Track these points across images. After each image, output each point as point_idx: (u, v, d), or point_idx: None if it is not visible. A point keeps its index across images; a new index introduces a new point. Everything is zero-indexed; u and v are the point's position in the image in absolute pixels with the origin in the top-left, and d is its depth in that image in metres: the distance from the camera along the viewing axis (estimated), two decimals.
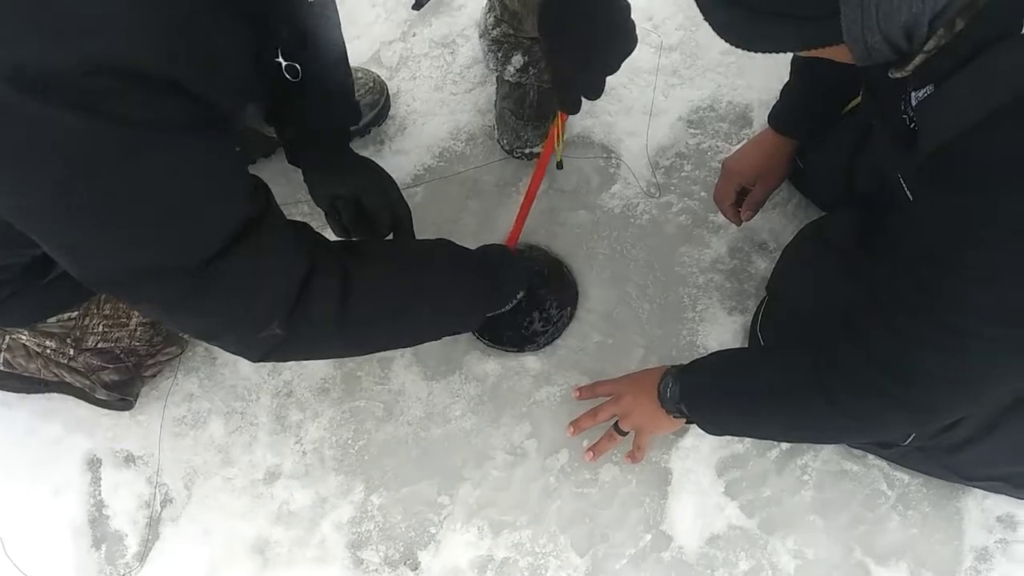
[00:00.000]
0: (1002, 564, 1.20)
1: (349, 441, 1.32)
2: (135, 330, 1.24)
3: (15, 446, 1.34)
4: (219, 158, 0.73)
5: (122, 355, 1.24)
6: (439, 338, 1.16)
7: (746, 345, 1.32)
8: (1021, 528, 1.22)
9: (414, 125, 1.52)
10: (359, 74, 1.48)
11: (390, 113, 1.52)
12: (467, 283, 1.13)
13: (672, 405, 1.10)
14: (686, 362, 1.12)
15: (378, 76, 1.50)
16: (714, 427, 1.11)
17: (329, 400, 1.34)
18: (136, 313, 1.23)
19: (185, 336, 1.33)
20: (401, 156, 1.49)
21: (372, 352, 1.13)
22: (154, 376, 1.34)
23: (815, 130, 1.24)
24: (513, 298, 1.27)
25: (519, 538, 1.25)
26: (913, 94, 0.71)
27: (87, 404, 1.33)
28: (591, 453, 1.23)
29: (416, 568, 1.24)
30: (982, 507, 1.23)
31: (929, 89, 0.68)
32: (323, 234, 0.96)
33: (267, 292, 0.81)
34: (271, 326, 0.84)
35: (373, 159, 1.44)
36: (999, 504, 1.23)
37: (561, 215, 1.45)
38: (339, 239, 1.19)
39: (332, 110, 1.14)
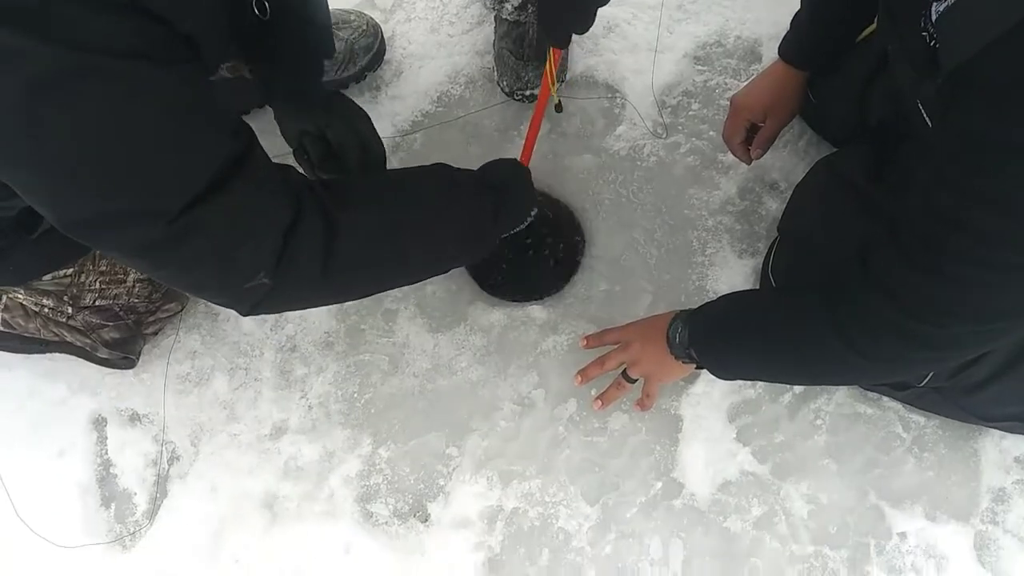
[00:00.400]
0: (1020, 505, 1.19)
1: (355, 395, 1.30)
2: (133, 287, 1.22)
3: (18, 408, 1.33)
4: (191, 94, 0.69)
5: (121, 312, 1.22)
6: (446, 271, 1.09)
7: (757, 287, 1.29)
8: None
9: (410, 69, 1.47)
10: (352, 17, 1.43)
11: (385, 57, 1.47)
12: (466, 211, 1.03)
13: (681, 351, 1.07)
14: (695, 307, 1.09)
15: (372, 19, 1.44)
16: (725, 372, 1.08)
17: (333, 354, 1.32)
18: (133, 270, 1.21)
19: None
20: (398, 102, 1.45)
21: (370, 294, 1.05)
22: (155, 334, 1.32)
23: (828, 61, 1.19)
24: (524, 218, 1.16)
25: (529, 488, 1.24)
26: (934, 6, 0.67)
27: (90, 364, 1.31)
28: (599, 402, 1.20)
29: (426, 520, 1.23)
30: (1000, 448, 1.21)
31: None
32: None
33: (252, 240, 0.78)
34: (258, 276, 0.80)
35: (369, 106, 1.42)
36: (1017, 444, 1.21)
37: (565, 159, 1.41)
38: (325, 178, 1.12)
39: (302, 41, 1.08)
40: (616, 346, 1.18)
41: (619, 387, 1.20)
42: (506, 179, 1.10)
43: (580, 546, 1.21)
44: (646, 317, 1.19)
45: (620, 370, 1.18)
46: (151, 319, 1.28)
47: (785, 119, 1.24)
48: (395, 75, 1.47)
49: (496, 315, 1.33)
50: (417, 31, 1.49)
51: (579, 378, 1.21)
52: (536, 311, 1.32)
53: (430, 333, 1.33)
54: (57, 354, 1.31)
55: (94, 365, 1.32)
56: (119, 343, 1.25)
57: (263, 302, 0.85)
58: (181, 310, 1.33)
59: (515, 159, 1.15)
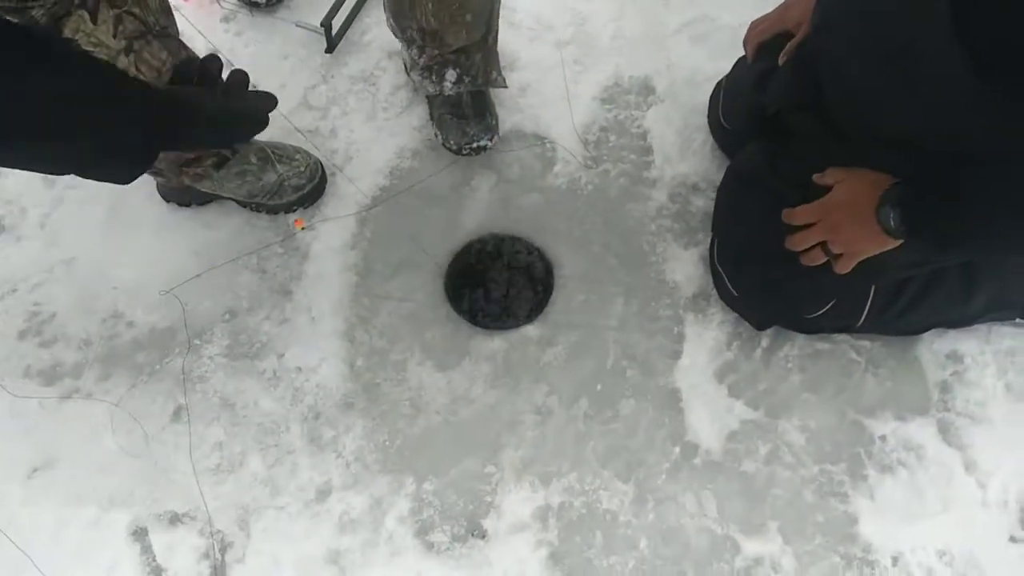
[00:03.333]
0: (961, 391, 1.43)
1: (387, 443, 1.39)
2: None
3: (51, 541, 1.31)
4: None
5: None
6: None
7: (709, 274, 1.51)
8: (965, 358, 1.45)
9: (359, 153, 1.63)
10: (297, 156, 1.52)
11: (333, 146, 1.62)
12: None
13: (897, 233, 1.06)
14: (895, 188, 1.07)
15: (316, 161, 1.54)
16: (949, 245, 1.10)
17: (356, 412, 1.41)
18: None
19: None
20: (356, 182, 1.59)
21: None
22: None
23: None
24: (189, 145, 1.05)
25: (568, 482, 1.36)
26: None
27: (113, 479, 1.33)
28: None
29: (484, 536, 1.32)
30: (932, 350, 1.46)
31: None
32: None
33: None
34: None
35: (329, 189, 1.56)
36: (944, 344, 1.46)
37: (516, 201, 1.59)
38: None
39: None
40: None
41: (815, 257, 1.20)
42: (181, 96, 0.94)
43: (626, 520, 1.34)
44: (845, 193, 1.14)
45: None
46: None
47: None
48: (346, 160, 1.62)
49: (496, 343, 1.47)
50: (355, 121, 1.66)
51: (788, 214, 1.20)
52: (529, 331, 1.48)
53: (441, 372, 1.44)
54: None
55: (116, 480, 1.33)
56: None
57: None
58: None
59: (239, 71, 1.01)
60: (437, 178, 1.61)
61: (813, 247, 1.20)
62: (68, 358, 1.46)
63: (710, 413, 1.41)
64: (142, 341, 1.47)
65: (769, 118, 1.31)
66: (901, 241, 1.08)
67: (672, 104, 1.68)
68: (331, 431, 1.40)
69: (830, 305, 1.33)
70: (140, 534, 1.33)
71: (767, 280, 1.32)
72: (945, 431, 1.40)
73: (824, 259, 1.19)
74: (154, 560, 1.32)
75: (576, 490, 1.35)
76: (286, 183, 1.51)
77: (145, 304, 1.49)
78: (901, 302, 1.34)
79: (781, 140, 1.28)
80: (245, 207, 1.55)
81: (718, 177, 1.59)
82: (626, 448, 1.39)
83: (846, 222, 1.12)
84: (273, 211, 1.55)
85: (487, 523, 1.33)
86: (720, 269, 1.43)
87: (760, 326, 1.44)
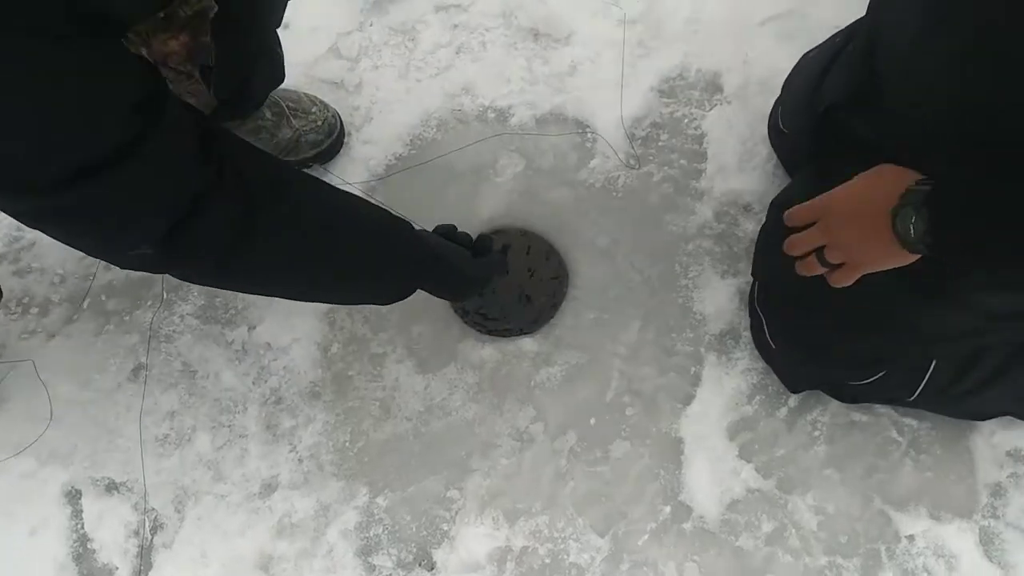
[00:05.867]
0: (1017, 498, 1.21)
1: (347, 444, 1.26)
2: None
3: None
4: (74, 65, 0.60)
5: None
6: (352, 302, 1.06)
7: (745, 309, 1.31)
8: None
9: (380, 115, 1.47)
10: (314, 109, 1.39)
11: (355, 103, 1.47)
12: (391, 265, 0.99)
13: (917, 243, 0.79)
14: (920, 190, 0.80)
15: (334, 115, 1.42)
16: (979, 261, 0.86)
17: (321, 404, 1.28)
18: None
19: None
20: (370, 146, 1.45)
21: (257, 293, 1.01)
22: None
23: None
24: (457, 298, 1.18)
25: (536, 525, 1.20)
26: None
27: (58, 432, 1.24)
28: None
29: (432, 568, 1.18)
30: (991, 443, 1.24)
31: None
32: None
33: (140, 220, 0.70)
34: (141, 247, 0.73)
35: (341, 151, 1.42)
36: (1007, 439, 1.24)
37: (541, 194, 1.42)
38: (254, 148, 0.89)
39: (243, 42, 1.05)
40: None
41: (810, 267, 0.94)
42: (448, 256, 1.06)
43: None
44: (855, 188, 0.88)
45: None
46: None
47: None
48: (365, 120, 1.47)
49: (487, 351, 1.31)
50: (385, 78, 1.50)
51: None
52: (527, 344, 1.31)
53: (420, 374, 1.30)
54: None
55: (61, 433, 1.24)
56: None
57: (146, 266, 0.78)
58: None
59: (486, 236, 1.15)
60: (460, 154, 1.44)
61: (809, 253, 0.93)
62: (39, 292, 1.37)
63: (713, 473, 1.23)
64: (116, 287, 1.37)
65: (827, 120, 1.09)
66: (916, 256, 0.82)
67: (739, 107, 1.46)
68: (290, 420, 1.27)
69: (882, 374, 1.13)
70: (73, 496, 1.24)
71: (813, 338, 1.12)
72: (988, 542, 1.19)
73: (822, 270, 0.92)
74: (82, 528, 1.23)
75: (543, 535, 1.20)
76: (302, 139, 1.38)
77: None
78: (969, 380, 1.12)
79: (831, 164, 1.06)
80: None
81: None
82: (609, 497, 1.22)
83: (849, 222, 0.87)
84: None
85: (438, 555, 1.19)
86: (760, 313, 1.22)
87: (794, 388, 1.24)
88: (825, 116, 1.05)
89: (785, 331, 1.17)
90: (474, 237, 1.15)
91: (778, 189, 1.39)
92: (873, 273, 0.87)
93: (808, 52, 1.27)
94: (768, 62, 1.49)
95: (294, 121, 1.37)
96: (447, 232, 1.11)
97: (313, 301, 1.05)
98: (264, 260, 0.82)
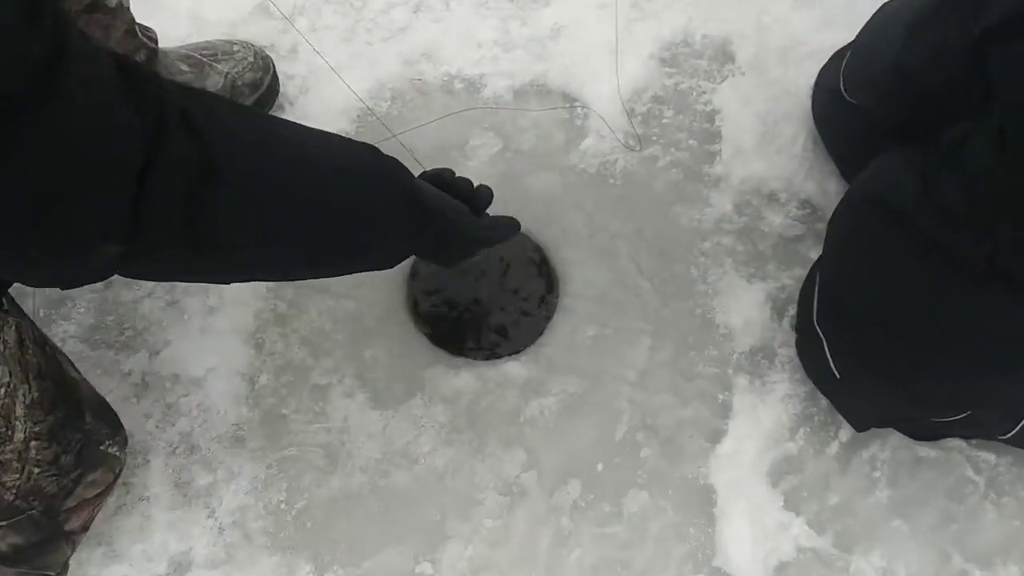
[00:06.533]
0: None
1: (282, 505, 0.97)
2: (26, 450, 0.72)
3: None
4: None
5: (19, 501, 0.74)
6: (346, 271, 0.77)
7: (777, 324, 1.06)
8: None
9: (320, 85, 1.19)
10: (236, 48, 1.15)
11: (290, 72, 1.19)
12: (379, 217, 0.73)
13: None
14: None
15: (261, 51, 1.17)
16: None
17: (247, 452, 0.99)
18: (16, 416, 0.72)
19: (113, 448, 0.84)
20: (307, 122, 1.15)
21: (249, 276, 0.74)
22: (85, 529, 0.85)
23: None
24: (449, 263, 0.90)
25: None
26: None
27: None
28: None
29: None
30: None
31: None
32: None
33: (85, 190, 0.47)
34: (106, 245, 0.51)
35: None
36: None
37: (522, 181, 1.15)
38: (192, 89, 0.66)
39: None
40: None
41: None
42: (447, 212, 0.80)
43: None
44: None
45: None
46: (70, 503, 0.80)
47: None
48: (301, 92, 1.19)
49: (463, 378, 1.03)
50: (326, 41, 1.21)
51: None
52: (513, 368, 1.04)
53: (376, 410, 1.02)
54: None
55: None
56: (27, 552, 0.78)
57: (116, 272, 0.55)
58: (116, 478, 0.86)
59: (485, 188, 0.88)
60: (421, 133, 1.16)
61: None
62: None
63: (755, 529, 0.97)
64: None
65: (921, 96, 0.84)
66: None
67: (756, 80, 1.22)
68: (206, 476, 0.97)
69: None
70: None
71: (896, 364, 0.86)
72: None
73: None
74: None
75: None
76: (239, 82, 1.13)
77: None
78: None
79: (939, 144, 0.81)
80: None
81: (809, 188, 1.15)
82: (627, 565, 0.95)
83: None
84: None
85: None
86: (820, 331, 0.96)
87: (861, 425, 0.99)
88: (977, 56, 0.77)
89: (862, 359, 0.91)
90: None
91: (808, 174, 1.17)
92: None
93: (876, 14, 1.02)
94: (786, 29, 1.26)
95: (220, 66, 1.12)
96: (436, 177, 0.83)
97: (301, 274, 0.77)
98: (238, 217, 0.59)
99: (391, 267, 0.77)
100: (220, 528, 0.95)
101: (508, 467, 0.99)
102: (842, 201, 0.94)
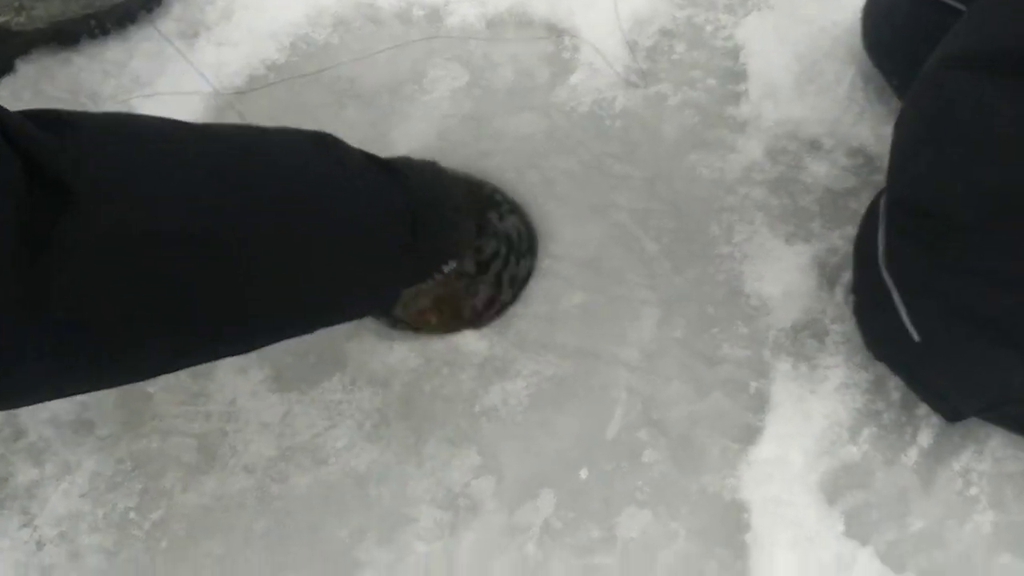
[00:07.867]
0: None
1: (131, 514, 0.70)
2: None
3: None
4: None
5: None
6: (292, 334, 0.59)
7: (827, 294, 0.79)
8: None
9: (245, 10, 0.98)
10: None
11: None
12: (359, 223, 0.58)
13: None
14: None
15: None
16: None
17: (93, 440, 0.72)
18: None
19: None
20: (227, 49, 0.94)
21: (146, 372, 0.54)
22: None
23: None
24: (445, 258, 0.72)
25: None
26: None
27: None
28: None
29: None
30: None
31: None
32: None
33: None
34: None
35: (179, 58, 0.92)
36: None
37: (494, 121, 0.92)
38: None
39: None
40: None
41: None
42: (430, 190, 0.63)
43: None
44: None
45: None
46: None
47: None
48: (223, 17, 0.97)
49: (398, 353, 0.77)
50: None
51: None
52: (470, 342, 0.77)
53: (277, 393, 0.75)
54: None
55: None
56: None
57: None
58: None
59: (435, 163, 0.72)
60: (369, 64, 0.94)
61: None
62: None
63: (803, 564, 0.68)
64: None
65: None
66: None
67: (788, 15, 0.99)
68: (32, 470, 0.71)
69: None
70: None
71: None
72: None
73: None
74: None
75: None
76: None
77: None
78: None
79: None
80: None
81: (862, 134, 0.90)
82: None
83: None
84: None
85: None
86: (889, 277, 0.67)
87: (953, 414, 0.71)
88: None
89: (960, 300, 0.62)
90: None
91: (859, 118, 0.93)
92: None
93: None
94: None
95: None
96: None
97: (253, 334, 0.55)
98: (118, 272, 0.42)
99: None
100: (38, 542, 0.68)
101: (454, 472, 0.72)
102: (920, 80, 0.67)
